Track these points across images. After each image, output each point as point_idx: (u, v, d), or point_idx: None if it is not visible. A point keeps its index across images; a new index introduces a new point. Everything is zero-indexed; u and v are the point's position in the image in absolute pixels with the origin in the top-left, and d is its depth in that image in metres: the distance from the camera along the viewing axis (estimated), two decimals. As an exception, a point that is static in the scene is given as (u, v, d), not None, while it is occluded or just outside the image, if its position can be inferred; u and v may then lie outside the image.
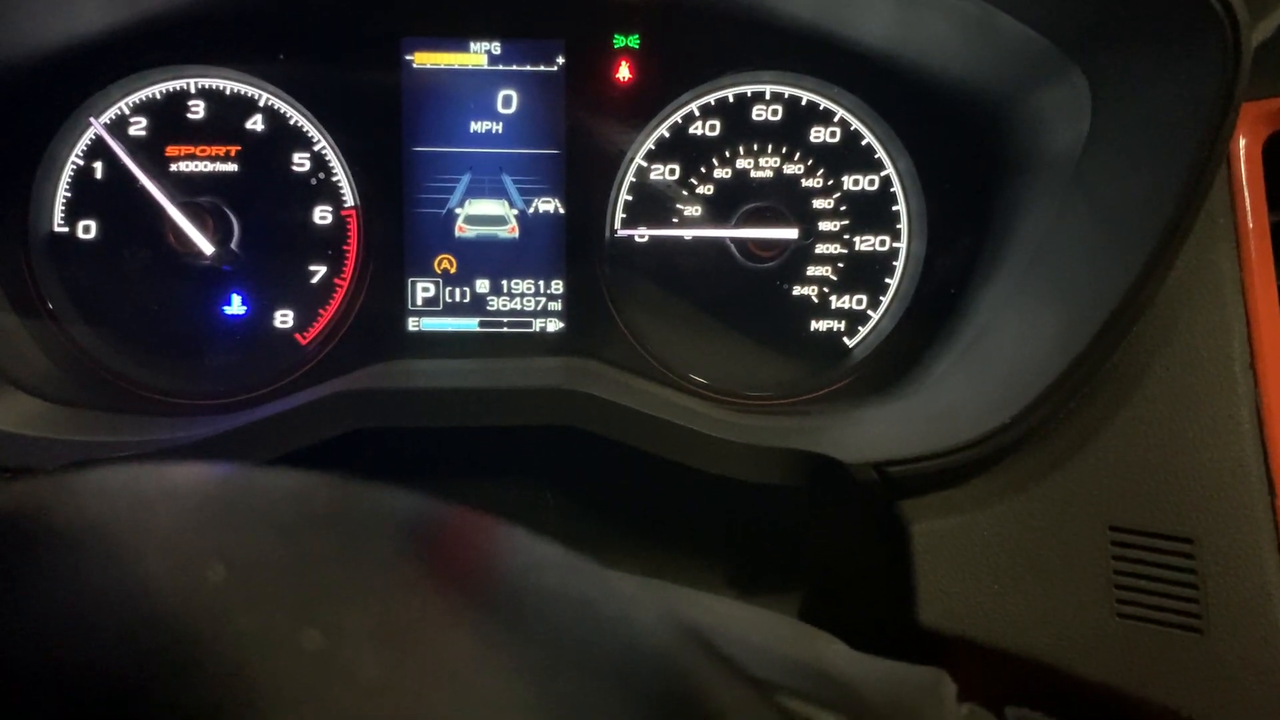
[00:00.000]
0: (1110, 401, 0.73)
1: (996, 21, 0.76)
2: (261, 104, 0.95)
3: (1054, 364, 0.72)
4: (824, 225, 0.97)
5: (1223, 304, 0.72)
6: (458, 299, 0.97)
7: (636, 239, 0.97)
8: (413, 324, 0.97)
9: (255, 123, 0.95)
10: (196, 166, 0.94)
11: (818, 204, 0.97)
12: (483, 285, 0.97)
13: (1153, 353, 0.72)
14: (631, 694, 0.27)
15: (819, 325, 0.98)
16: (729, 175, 0.97)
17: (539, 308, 0.97)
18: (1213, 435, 0.71)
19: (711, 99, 0.96)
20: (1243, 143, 0.73)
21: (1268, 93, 0.73)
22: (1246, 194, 0.73)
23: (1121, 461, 0.72)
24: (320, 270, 0.96)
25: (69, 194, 0.95)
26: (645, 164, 0.97)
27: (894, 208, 0.96)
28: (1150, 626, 0.69)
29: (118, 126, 0.95)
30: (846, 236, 0.97)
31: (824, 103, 0.96)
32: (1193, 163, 0.64)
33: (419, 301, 0.97)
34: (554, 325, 0.98)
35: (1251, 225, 0.72)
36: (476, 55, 0.95)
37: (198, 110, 0.95)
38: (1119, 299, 0.68)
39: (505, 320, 0.97)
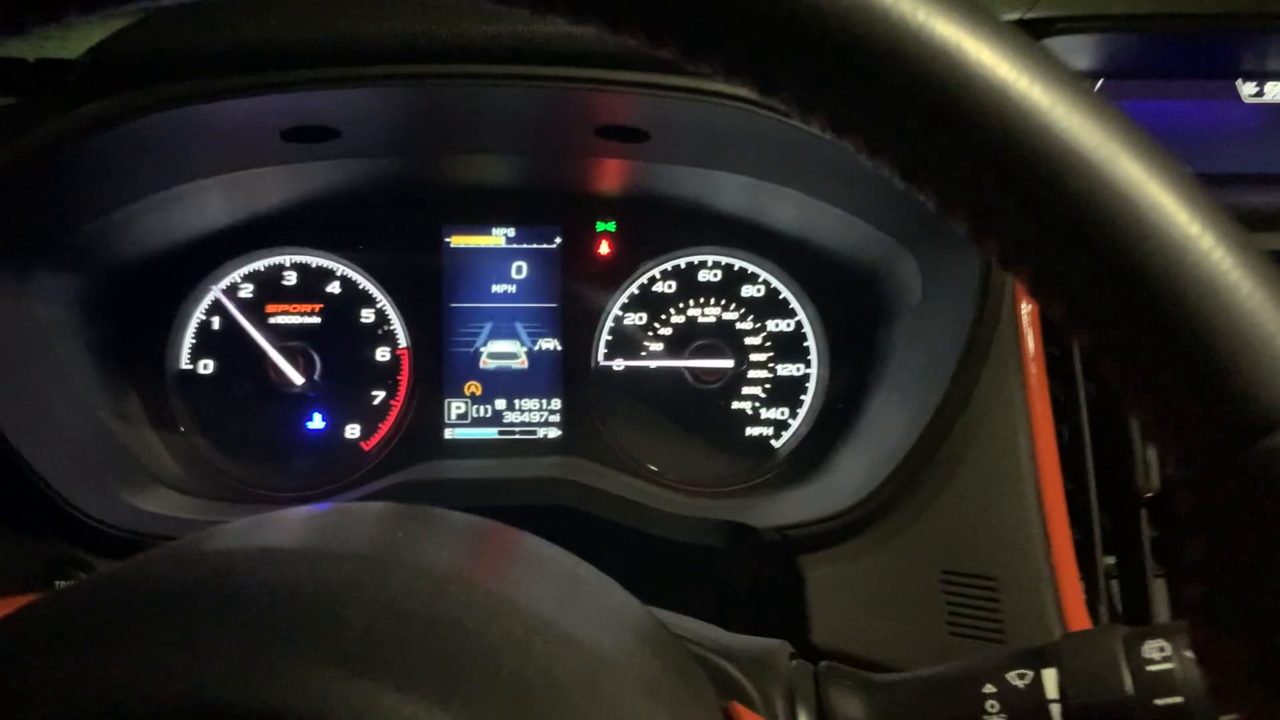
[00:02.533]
0: (939, 481, 0.94)
1: (855, 222, 1.04)
2: (338, 274, 1.19)
3: (899, 453, 0.95)
4: (753, 357, 1.21)
5: (1014, 412, 0.94)
6: (482, 414, 1.21)
7: (615, 368, 1.21)
8: (448, 433, 1.20)
9: (333, 287, 1.19)
10: (289, 319, 1.18)
11: (749, 341, 1.21)
12: (501, 404, 1.21)
13: (967, 445, 0.94)
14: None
15: (752, 431, 1.22)
16: (683, 321, 1.21)
17: (542, 419, 1.22)
18: (1008, 504, 0.92)
19: (669, 266, 1.21)
20: (1025, 307, 0.96)
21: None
22: (1029, 336, 0.95)
23: (948, 523, 0.94)
24: (380, 394, 1.19)
25: (193, 341, 1.17)
26: (620, 313, 1.21)
27: (805, 344, 1.23)
28: (970, 640, 0.91)
29: (231, 291, 1.17)
30: (771, 365, 1.22)
31: (751, 268, 1.23)
32: (972, 319, 0.91)
33: (453, 417, 1.21)
34: (553, 432, 1.23)
35: (1032, 356, 0.95)
36: (497, 237, 1.21)
37: (291, 279, 1.19)
38: (935, 407, 0.93)
39: (517, 429, 1.22)
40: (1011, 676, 0.56)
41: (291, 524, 0.48)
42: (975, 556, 0.95)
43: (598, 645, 0.42)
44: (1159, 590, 0.94)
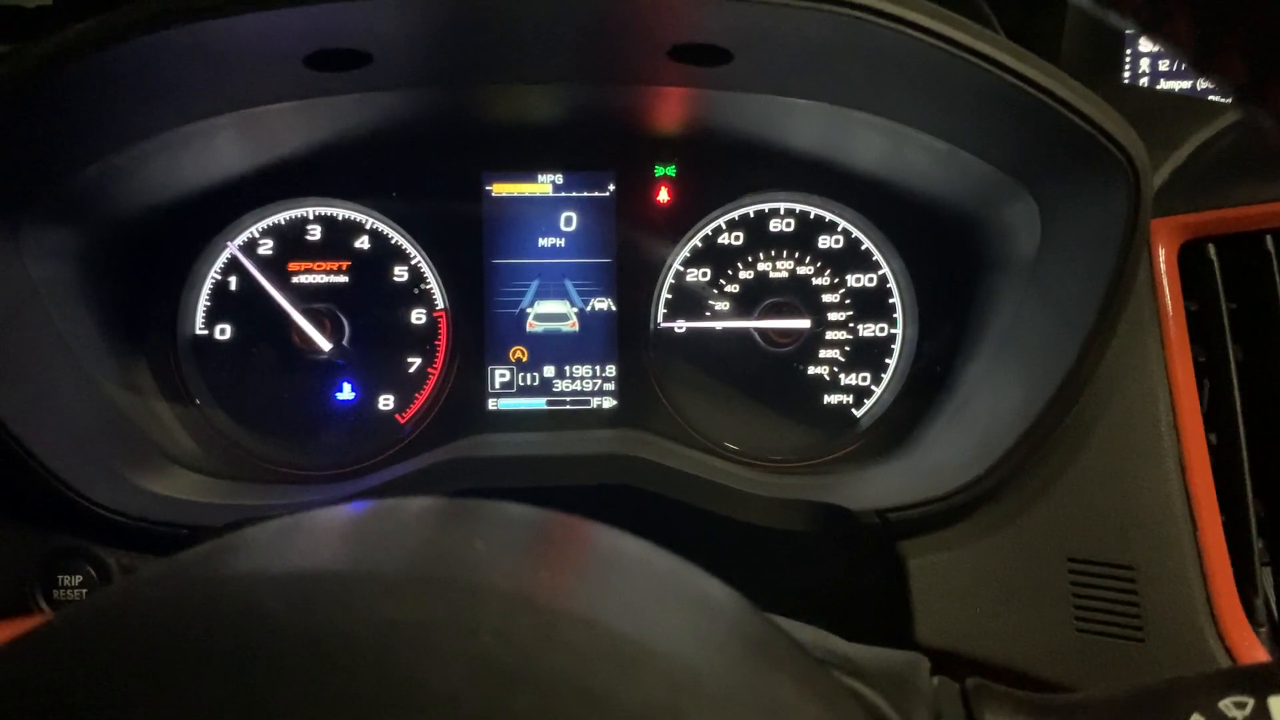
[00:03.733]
0: (1064, 456, 0.87)
1: (961, 156, 0.93)
2: (367, 227, 1.12)
3: (1017, 427, 0.86)
4: (832, 316, 1.13)
5: (1150, 377, 0.86)
6: (529, 383, 1.14)
7: (676, 330, 1.14)
8: (492, 404, 1.14)
9: (362, 242, 1.12)
10: (314, 279, 1.11)
11: (826, 298, 1.13)
12: (549, 371, 1.14)
13: (1096, 416, 0.86)
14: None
15: (830, 399, 1.14)
16: (752, 276, 1.14)
17: (596, 388, 1.15)
18: (1146, 482, 0.84)
19: (735, 215, 1.13)
20: (1162, 251, 0.87)
21: (1180, 210, 0.88)
22: (1166, 290, 0.87)
23: (1075, 505, 0.86)
24: (416, 361, 1.13)
25: (209, 303, 1.10)
26: (682, 269, 1.14)
27: (890, 301, 1.13)
28: (1102, 639, 0.83)
29: (249, 247, 1.10)
30: (851, 325, 1.14)
31: (828, 215, 1.14)
32: (1112, 271, 0.80)
33: (497, 385, 1.14)
34: (608, 403, 1.15)
35: (1171, 313, 0.89)
36: (543, 185, 1.13)
37: (315, 233, 1.12)
38: (1064, 374, 0.83)
39: (568, 399, 1.15)
40: (1227, 705, 0.48)
41: (316, 535, 0.36)
42: (1108, 542, 0.86)
43: (757, 700, 0.33)
44: (1322, 581, 0.83)
